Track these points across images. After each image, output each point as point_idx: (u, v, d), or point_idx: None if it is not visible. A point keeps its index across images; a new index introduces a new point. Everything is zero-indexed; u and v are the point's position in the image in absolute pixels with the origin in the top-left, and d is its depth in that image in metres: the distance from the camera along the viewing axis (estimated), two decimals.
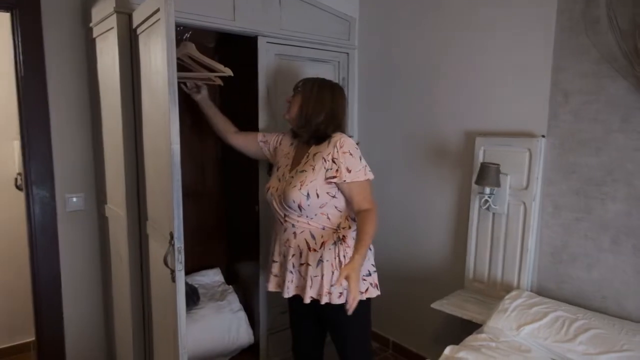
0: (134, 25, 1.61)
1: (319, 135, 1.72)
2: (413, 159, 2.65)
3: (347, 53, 2.31)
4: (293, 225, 1.73)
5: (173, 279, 1.34)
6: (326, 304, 1.69)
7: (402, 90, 2.66)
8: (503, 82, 2.21)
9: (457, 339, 1.86)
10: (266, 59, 2.01)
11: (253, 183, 2.10)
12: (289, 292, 1.77)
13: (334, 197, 1.70)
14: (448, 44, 2.44)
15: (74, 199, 2.07)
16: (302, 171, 1.71)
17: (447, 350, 1.74)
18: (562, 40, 1.99)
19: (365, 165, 1.71)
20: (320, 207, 1.68)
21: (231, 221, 2.47)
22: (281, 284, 1.81)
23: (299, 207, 1.68)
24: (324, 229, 1.72)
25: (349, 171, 1.65)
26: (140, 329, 1.79)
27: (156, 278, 1.63)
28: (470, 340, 1.85)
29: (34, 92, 1.94)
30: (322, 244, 1.71)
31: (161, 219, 1.51)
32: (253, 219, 2.13)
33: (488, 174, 2.10)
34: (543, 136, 2.06)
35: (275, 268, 1.84)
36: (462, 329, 2.09)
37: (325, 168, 1.67)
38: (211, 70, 1.99)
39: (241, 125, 2.05)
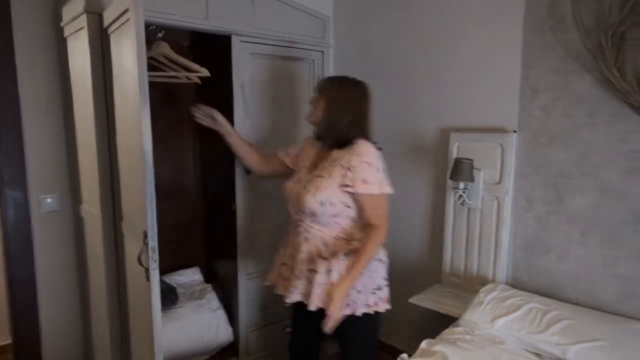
0: (105, 25, 1.60)
1: (342, 140, 1.65)
2: (390, 156, 2.63)
3: (322, 51, 2.33)
4: (306, 230, 1.67)
5: (147, 278, 1.34)
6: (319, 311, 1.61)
7: (379, 88, 2.64)
8: (476, 79, 2.26)
9: (435, 333, 1.88)
10: (240, 57, 2.01)
11: (230, 181, 2.10)
12: (293, 297, 1.69)
13: (348, 207, 1.63)
14: (423, 42, 2.48)
15: (49, 200, 2.05)
16: (319, 176, 1.65)
17: (424, 344, 1.77)
18: (530, 37, 2.03)
19: (384, 179, 1.62)
20: (333, 216, 1.62)
21: (210, 220, 2.46)
22: (287, 287, 1.73)
23: (313, 213, 1.62)
24: (337, 238, 1.65)
25: (364, 182, 1.57)
26: (117, 329, 1.79)
27: (132, 277, 1.62)
28: (447, 333, 1.88)
29: (4, 92, 1.91)
30: (334, 253, 1.64)
31: (136, 219, 1.50)
32: (230, 217, 2.13)
33: (462, 169, 2.14)
34: (514, 131, 2.11)
35: (283, 270, 1.78)
36: (440, 323, 2.12)
37: (341, 175, 1.60)
38: (187, 69, 1.99)
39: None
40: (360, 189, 1.57)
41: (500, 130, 2.16)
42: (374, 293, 1.66)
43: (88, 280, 2.01)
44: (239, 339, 2.19)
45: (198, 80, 2.03)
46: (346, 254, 1.63)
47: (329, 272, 1.61)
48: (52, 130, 2.03)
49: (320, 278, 1.62)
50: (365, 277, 1.64)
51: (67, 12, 1.80)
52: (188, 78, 1.98)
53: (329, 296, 1.52)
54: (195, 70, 1.97)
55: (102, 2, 1.63)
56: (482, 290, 2.04)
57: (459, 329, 1.89)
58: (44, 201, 2.03)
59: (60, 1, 1.89)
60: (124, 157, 1.58)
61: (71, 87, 1.91)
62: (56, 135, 2.04)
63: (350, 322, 1.63)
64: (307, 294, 1.66)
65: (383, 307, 1.68)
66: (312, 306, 1.62)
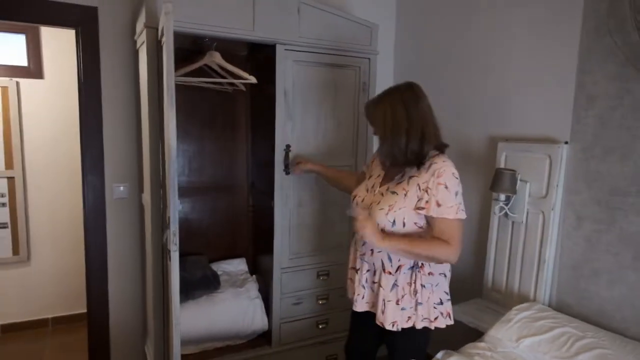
0: (159, 38, 1.84)
1: (411, 160, 1.55)
2: None
3: (369, 58, 2.36)
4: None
5: (169, 259, 1.52)
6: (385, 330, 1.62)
7: (431, 94, 2.65)
8: (528, 85, 2.14)
9: (461, 345, 1.84)
10: (284, 65, 2.15)
11: (270, 179, 2.25)
12: (359, 306, 1.68)
13: (420, 227, 1.57)
14: (474, 49, 2.41)
15: (121, 188, 2.38)
16: (394, 192, 1.58)
17: (440, 354, 1.73)
18: (587, 41, 1.88)
19: (460, 203, 1.52)
20: (403, 235, 1.55)
21: (257, 215, 2.64)
22: (354, 293, 1.71)
23: (382, 229, 1.55)
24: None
25: (439, 205, 1.49)
26: (159, 302, 2.02)
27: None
28: (468, 347, 1.82)
29: (90, 96, 2.27)
30: (398, 267, 1.58)
31: None
32: (269, 214, 2.28)
33: (503, 180, 2.05)
34: (566, 142, 1.96)
35: (351, 274, 1.77)
36: (469, 337, 2.05)
37: (417, 197, 1.53)
38: (236, 76, 2.18)
39: (265, 125, 2.20)
40: (434, 212, 1.50)
41: (550, 140, 2.02)
42: (435, 307, 1.61)
43: (146, 261, 2.29)
44: (272, 328, 2.32)
45: (243, 88, 2.21)
46: (411, 268, 1.59)
47: (394, 286, 1.59)
48: (126, 129, 2.35)
49: (384, 294, 1.60)
50: (428, 290, 1.60)
51: (138, 27, 2.10)
52: (233, 84, 2.17)
53: (370, 219, 1.51)
54: (244, 78, 2.15)
55: (159, 18, 1.88)
56: (515, 307, 1.94)
57: (482, 344, 1.82)
58: (116, 189, 2.36)
59: (135, 18, 2.20)
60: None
61: (140, 93, 2.22)
62: (128, 133, 2.36)
63: (406, 334, 1.61)
64: (372, 303, 1.67)
65: (444, 322, 1.62)
66: (378, 321, 1.62)
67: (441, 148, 1.62)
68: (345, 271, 1.87)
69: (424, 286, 1.60)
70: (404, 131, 1.53)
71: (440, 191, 1.50)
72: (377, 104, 1.63)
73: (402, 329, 1.61)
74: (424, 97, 1.61)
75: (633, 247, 1.74)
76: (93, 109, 2.28)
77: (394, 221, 1.55)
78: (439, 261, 1.57)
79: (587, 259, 1.91)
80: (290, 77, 2.18)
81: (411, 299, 1.60)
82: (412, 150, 1.54)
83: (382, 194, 1.62)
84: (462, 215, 1.54)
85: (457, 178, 1.54)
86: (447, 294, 1.66)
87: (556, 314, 1.88)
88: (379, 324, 1.63)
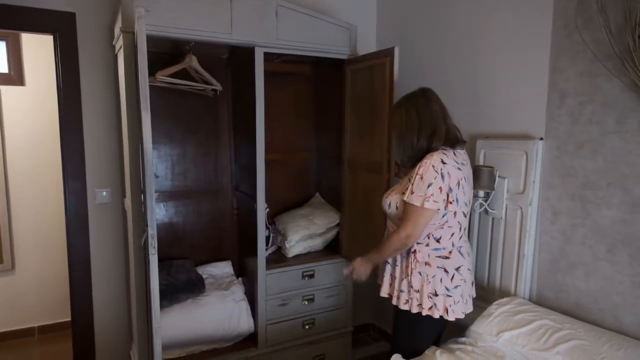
0: (135, 42, 1.85)
1: (422, 154, 1.71)
2: None
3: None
4: (387, 227, 1.88)
5: (147, 262, 1.53)
6: (395, 305, 1.80)
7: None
8: (505, 83, 2.18)
9: (445, 340, 1.87)
10: (262, 67, 2.16)
11: (253, 182, 2.26)
12: (383, 291, 1.87)
13: None
14: (454, 48, 2.45)
15: (103, 193, 2.37)
16: (399, 183, 1.84)
17: (427, 350, 1.77)
18: (558, 39, 1.92)
19: (431, 195, 1.62)
20: (399, 218, 1.74)
21: (242, 218, 2.65)
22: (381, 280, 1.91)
23: (384, 212, 1.83)
24: None
25: (412, 192, 1.65)
26: (143, 309, 2.02)
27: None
28: (451, 342, 1.85)
29: (70, 101, 2.26)
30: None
31: None
32: (254, 216, 2.29)
33: (481, 177, 2.08)
34: (541, 138, 2.00)
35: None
36: (454, 332, 2.07)
37: (405, 186, 1.73)
38: (207, 82, 2.21)
39: (247, 128, 2.20)
40: (407, 197, 1.66)
41: (527, 137, 2.06)
42: (430, 298, 1.70)
43: (130, 265, 2.29)
44: (258, 330, 2.33)
45: (210, 93, 2.24)
46: (407, 252, 1.75)
47: (395, 266, 1.81)
48: (107, 134, 2.35)
49: (389, 270, 1.84)
50: (424, 280, 1.71)
51: (116, 32, 2.10)
52: (206, 91, 2.20)
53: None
54: (214, 84, 2.18)
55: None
56: (496, 302, 1.96)
57: (464, 339, 1.85)
58: (99, 194, 2.36)
59: (113, 23, 2.21)
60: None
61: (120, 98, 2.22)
62: (110, 138, 2.36)
63: (404, 315, 1.78)
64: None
65: (437, 314, 1.70)
66: (383, 292, 1.86)
67: (455, 144, 1.75)
68: (331, 270, 2.04)
69: (421, 274, 1.72)
70: (416, 131, 1.72)
71: (416, 180, 1.66)
72: (394, 111, 1.84)
73: (402, 310, 1.77)
74: (436, 99, 1.79)
75: (607, 239, 1.78)
76: (73, 114, 2.28)
77: (389, 204, 1.78)
78: (399, 248, 1.73)
79: (563, 252, 1.94)
80: None
81: (407, 284, 1.74)
82: (420, 147, 1.72)
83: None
84: (430, 205, 1.63)
85: (436, 171, 1.63)
86: (447, 289, 1.71)
87: (535, 307, 1.91)
88: (385, 294, 1.86)
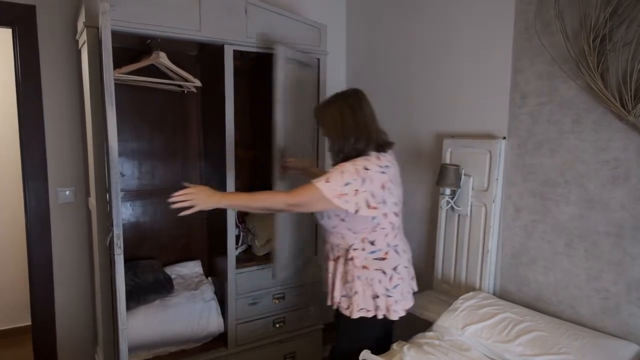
0: (100, 37, 1.80)
1: (355, 154, 1.65)
2: None
3: (318, 58, 2.41)
4: (326, 242, 1.83)
5: (112, 263, 1.50)
6: (337, 309, 1.79)
7: (381, 92, 2.72)
8: (470, 84, 2.24)
9: (412, 335, 1.90)
10: (232, 64, 2.15)
11: (222, 181, 2.24)
12: (329, 299, 1.83)
13: (343, 220, 1.68)
14: (420, 48, 2.51)
15: (66, 192, 2.30)
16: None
17: (395, 345, 1.80)
18: (519, 41, 2.00)
19: (345, 194, 1.56)
20: (333, 227, 1.72)
21: (211, 216, 2.62)
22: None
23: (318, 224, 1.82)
24: (338, 245, 1.75)
25: (328, 181, 1.57)
26: (109, 311, 1.97)
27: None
28: (418, 337, 1.89)
29: (30, 97, 2.18)
30: (337, 258, 1.76)
31: None
32: (223, 215, 2.27)
33: (447, 175, 2.14)
34: (504, 138, 2.07)
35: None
36: (422, 328, 2.12)
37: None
38: (183, 78, 2.16)
39: (216, 126, 2.17)
40: (319, 183, 1.57)
41: (491, 136, 2.13)
42: (371, 300, 1.70)
43: (94, 266, 2.22)
44: (228, 330, 2.31)
45: (193, 89, 2.20)
46: (345, 260, 1.73)
47: (335, 273, 1.77)
48: (70, 131, 2.28)
49: (330, 278, 1.81)
50: (364, 284, 1.69)
51: (79, 26, 2.04)
52: (182, 87, 2.15)
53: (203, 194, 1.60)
54: (189, 80, 2.14)
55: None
56: (461, 297, 2.02)
57: (431, 333, 1.89)
58: (61, 193, 2.28)
59: (77, 17, 2.14)
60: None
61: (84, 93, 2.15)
62: (73, 135, 2.28)
63: (345, 322, 1.75)
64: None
65: (380, 314, 1.70)
66: (328, 300, 1.83)
67: (384, 147, 1.72)
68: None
69: (360, 278, 1.70)
70: (353, 132, 1.66)
71: (336, 173, 1.59)
72: (325, 107, 1.76)
73: (343, 315, 1.74)
74: (367, 102, 1.73)
75: (565, 234, 1.86)
76: (33, 110, 2.19)
77: (323, 216, 1.73)
78: (273, 208, 1.67)
79: (525, 247, 2.02)
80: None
81: (348, 289, 1.72)
82: (358, 148, 1.67)
83: None
84: (341, 203, 1.57)
85: (356, 171, 1.58)
86: (387, 290, 1.70)
87: (498, 300, 1.98)
88: (329, 302, 1.82)
